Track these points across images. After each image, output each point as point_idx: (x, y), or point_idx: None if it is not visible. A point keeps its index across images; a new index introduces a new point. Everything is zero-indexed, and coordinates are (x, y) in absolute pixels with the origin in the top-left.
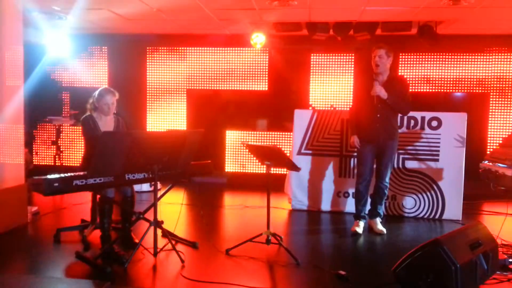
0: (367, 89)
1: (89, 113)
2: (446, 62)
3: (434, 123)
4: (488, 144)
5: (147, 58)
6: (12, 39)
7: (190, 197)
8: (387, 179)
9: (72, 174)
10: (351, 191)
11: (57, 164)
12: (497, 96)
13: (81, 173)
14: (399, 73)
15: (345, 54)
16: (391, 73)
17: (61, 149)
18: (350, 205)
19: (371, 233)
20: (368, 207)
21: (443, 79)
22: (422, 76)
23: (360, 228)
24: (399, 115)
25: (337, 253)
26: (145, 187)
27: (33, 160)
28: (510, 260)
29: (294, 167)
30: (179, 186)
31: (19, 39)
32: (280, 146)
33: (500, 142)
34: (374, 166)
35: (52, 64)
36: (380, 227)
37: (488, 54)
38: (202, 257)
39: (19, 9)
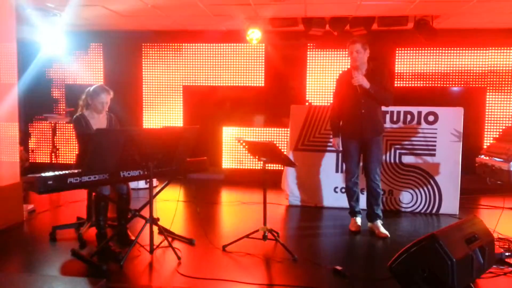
0: (348, 85)
1: (80, 112)
2: (443, 57)
3: (431, 118)
4: (485, 138)
5: (143, 55)
6: (5, 36)
7: (186, 194)
8: (377, 177)
9: (66, 172)
10: None
11: (53, 162)
12: (494, 91)
13: (76, 171)
14: (396, 68)
15: (341, 50)
16: (369, 66)
17: (57, 147)
18: (347, 201)
19: (374, 237)
20: (361, 203)
21: (439, 74)
22: (419, 71)
23: (358, 225)
24: (382, 108)
25: (334, 249)
26: (142, 184)
27: (29, 158)
28: (507, 254)
29: (290, 163)
30: (175, 183)
31: (12, 36)
32: (277, 142)
33: (497, 136)
34: (361, 163)
35: (47, 61)
36: (383, 230)
37: (485, 48)
38: (198, 253)
39: (12, 6)
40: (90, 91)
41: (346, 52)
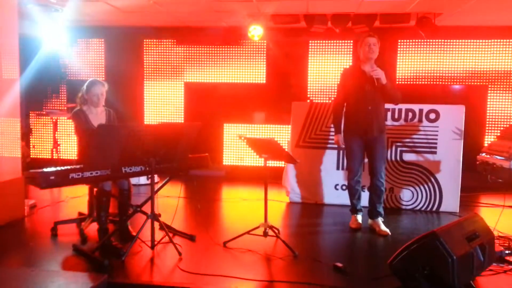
0: (356, 80)
1: (79, 107)
2: (445, 54)
3: (432, 116)
4: (486, 136)
5: (144, 51)
6: (8, 31)
7: (187, 190)
8: (382, 175)
9: (68, 167)
10: None
11: (54, 157)
12: (495, 89)
13: (77, 166)
14: (397, 66)
15: (343, 47)
16: (375, 64)
17: (58, 142)
18: (347, 198)
19: (375, 234)
20: (362, 200)
21: (441, 71)
22: (420, 68)
23: (359, 222)
24: (385, 106)
25: (335, 246)
26: (143, 180)
27: (30, 153)
28: (507, 252)
29: (291, 160)
30: (176, 179)
31: (14, 32)
32: (278, 139)
33: (498, 134)
34: (365, 160)
35: (48, 57)
36: (383, 228)
37: (486, 46)
38: (199, 249)
39: (14, 1)
40: (84, 86)
41: (348, 49)
